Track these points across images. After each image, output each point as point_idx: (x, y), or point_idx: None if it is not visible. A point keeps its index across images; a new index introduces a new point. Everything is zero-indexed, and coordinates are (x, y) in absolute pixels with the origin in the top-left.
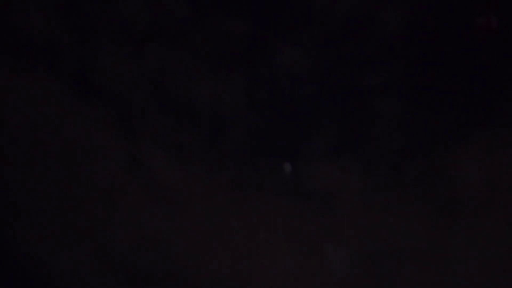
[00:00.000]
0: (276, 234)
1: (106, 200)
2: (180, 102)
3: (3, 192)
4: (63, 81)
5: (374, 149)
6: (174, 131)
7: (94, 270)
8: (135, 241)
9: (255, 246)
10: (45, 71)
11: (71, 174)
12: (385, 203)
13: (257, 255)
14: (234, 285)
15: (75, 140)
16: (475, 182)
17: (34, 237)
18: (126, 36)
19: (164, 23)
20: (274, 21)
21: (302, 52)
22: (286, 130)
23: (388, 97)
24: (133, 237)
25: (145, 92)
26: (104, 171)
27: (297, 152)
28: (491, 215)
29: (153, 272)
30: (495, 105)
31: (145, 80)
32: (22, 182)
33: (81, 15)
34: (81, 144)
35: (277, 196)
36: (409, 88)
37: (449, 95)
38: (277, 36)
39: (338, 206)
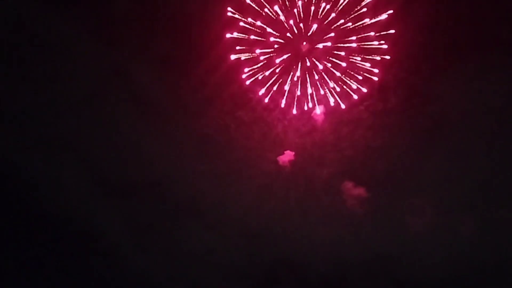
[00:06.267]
0: (258, 154)
1: (87, 110)
2: (167, 11)
3: None
4: None
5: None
6: (158, 43)
7: (76, 180)
8: (117, 152)
9: (234, 162)
10: None
11: (50, 80)
12: (371, 121)
13: (237, 172)
14: (213, 198)
15: (52, 44)
16: (460, 104)
17: (15, 146)
18: None
19: None
20: None
21: None
22: None
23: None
24: (115, 148)
25: None
26: (84, 80)
27: None
28: (469, 136)
29: (134, 183)
30: (488, 30)
31: None
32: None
33: None
34: (59, 49)
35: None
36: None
37: (443, 18)
38: None
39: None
